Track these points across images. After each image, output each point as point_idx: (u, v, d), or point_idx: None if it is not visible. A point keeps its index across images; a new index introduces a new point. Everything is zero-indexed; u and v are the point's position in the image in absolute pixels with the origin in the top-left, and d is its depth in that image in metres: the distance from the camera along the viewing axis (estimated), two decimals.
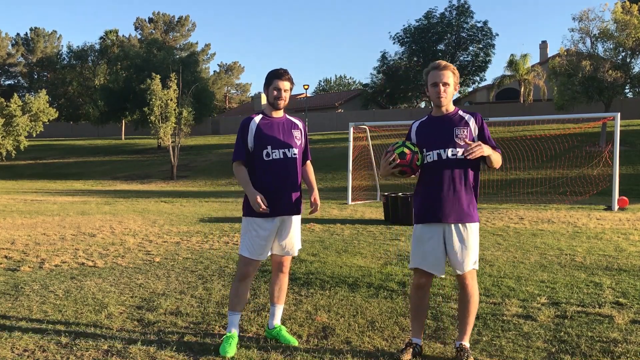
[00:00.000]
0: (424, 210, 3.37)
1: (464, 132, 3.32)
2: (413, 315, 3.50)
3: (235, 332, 3.64)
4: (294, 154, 3.70)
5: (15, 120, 34.65)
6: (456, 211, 3.30)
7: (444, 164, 3.30)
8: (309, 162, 3.96)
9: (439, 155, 3.31)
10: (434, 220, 3.33)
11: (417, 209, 3.45)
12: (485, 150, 3.22)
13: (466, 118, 3.39)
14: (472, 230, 3.35)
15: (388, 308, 4.53)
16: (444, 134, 3.34)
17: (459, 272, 3.36)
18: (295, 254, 3.84)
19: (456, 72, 3.40)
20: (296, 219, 3.77)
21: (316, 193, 3.92)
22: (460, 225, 3.32)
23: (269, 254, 3.74)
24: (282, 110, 3.76)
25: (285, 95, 3.67)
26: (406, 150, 3.29)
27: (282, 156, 3.64)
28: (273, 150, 3.62)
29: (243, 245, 3.68)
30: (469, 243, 3.33)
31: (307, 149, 3.90)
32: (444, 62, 3.37)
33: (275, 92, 3.65)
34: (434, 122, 3.43)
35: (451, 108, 3.44)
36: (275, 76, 3.65)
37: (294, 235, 3.75)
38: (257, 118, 3.70)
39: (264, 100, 55.20)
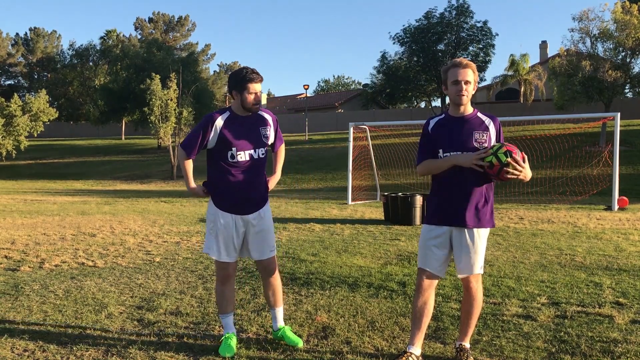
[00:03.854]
0: (437, 212, 3.31)
1: (483, 136, 3.25)
2: (414, 320, 3.31)
3: (232, 332, 3.63)
4: (261, 154, 3.57)
5: (15, 120, 34.67)
6: (469, 216, 3.24)
7: (461, 168, 3.22)
8: (282, 146, 3.81)
9: None
10: (446, 223, 3.28)
11: (429, 210, 3.39)
12: (526, 173, 3.14)
13: (486, 122, 3.30)
14: (482, 236, 3.29)
15: (388, 308, 4.52)
16: (464, 137, 3.25)
17: (464, 275, 3.30)
18: (269, 256, 3.68)
19: (476, 71, 3.30)
20: (266, 220, 3.64)
21: (273, 179, 3.75)
22: (470, 230, 3.26)
23: (236, 255, 3.61)
24: None
25: (261, 97, 3.52)
26: (494, 162, 3.11)
27: (248, 158, 3.52)
28: (238, 152, 3.49)
29: (208, 245, 3.57)
30: (477, 248, 3.26)
31: (277, 138, 3.73)
32: (465, 60, 3.27)
33: (251, 97, 3.45)
34: (453, 123, 3.32)
35: (470, 109, 3.33)
36: (249, 80, 3.43)
37: (266, 237, 3.64)
38: (222, 117, 3.51)
39: (263, 100, 55.04)
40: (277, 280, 3.76)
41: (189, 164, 3.63)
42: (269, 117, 3.66)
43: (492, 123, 3.32)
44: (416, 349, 3.28)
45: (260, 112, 3.62)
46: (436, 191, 3.37)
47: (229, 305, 3.66)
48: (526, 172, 3.15)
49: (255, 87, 3.45)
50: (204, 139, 3.51)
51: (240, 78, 3.45)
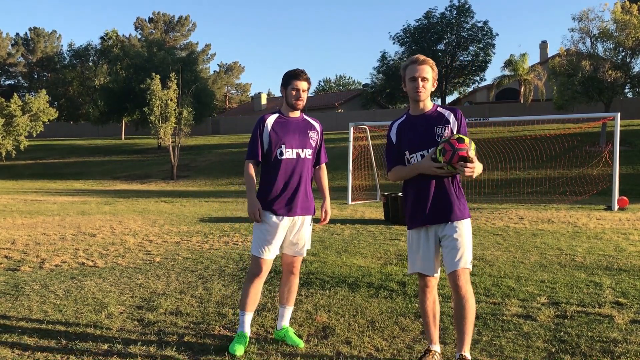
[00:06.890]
0: (416, 215, 3.29)
1: (444, 130, 3.25)
2: (427, 321, 3.36)
3: (247, 332, 3.63)
4: (308, 155, 3.71)
5: (15, 120, 34.66)
6: (447, 211, 3.22)
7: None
8: (323, 165, 3.93)
9: (422, 157, 3.24)
10: (427, 223, 3.25)
11: (408, 215, 3.36)
12: (477, 170, 3.12)
13: (446, 115, 3.31)
14: (464, 227, 3.24)
15: (388, 308, 4.53)
16: (426, 134, 3.26)
17: (451, 270, 3.18)
18: (305, 254, 3.83)
19: (435, 67, 3.31)
20: (307, 219, 3.76)
21: (328, 203, 3.87)
22: (452, 223, 3.22)
23: (277, 253, 3.71)
24: (299, 111, 3.76)
25: (304, 96, 3.69)
26: (440, 160, 3.11)
27: (295, 156, 3.65)
28: (287, 150, 3.63)
29: (254, 244, 3.68)
30: (462, 240, 3.20)
31: (322, 150, 3.86)
32: (422, 56, 3.29)
33: (294, 93, 3.66)
34: (414, 122, 3.34)
35: (429, 105, 3.34)
36: (293, 77, 3.65)
37: (304, 235, 3.75)
38: (273, 117, 3.71)
39: (264, 100, 55.18)
40: (297, 278, 3.85)
41: (252, 172, 3.70)
42: (316, 124, 3.84)
43: (452, 115, 3.31)
44: (437, 347, 3.37)
45: (307, 118, 3.81)
46: (409, 194, 3.35)
47: (249, 303, 3.67)
48: (472, 170, 3.07)
49: (298, 84, 3.65)
50: (261, 138, 3.66)
51: (287, 75, 3.70)
